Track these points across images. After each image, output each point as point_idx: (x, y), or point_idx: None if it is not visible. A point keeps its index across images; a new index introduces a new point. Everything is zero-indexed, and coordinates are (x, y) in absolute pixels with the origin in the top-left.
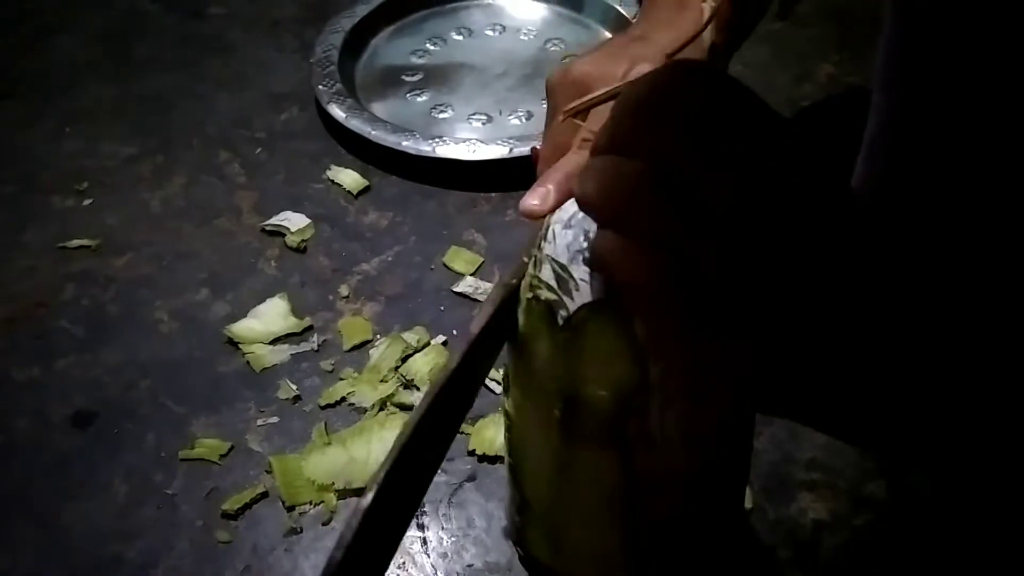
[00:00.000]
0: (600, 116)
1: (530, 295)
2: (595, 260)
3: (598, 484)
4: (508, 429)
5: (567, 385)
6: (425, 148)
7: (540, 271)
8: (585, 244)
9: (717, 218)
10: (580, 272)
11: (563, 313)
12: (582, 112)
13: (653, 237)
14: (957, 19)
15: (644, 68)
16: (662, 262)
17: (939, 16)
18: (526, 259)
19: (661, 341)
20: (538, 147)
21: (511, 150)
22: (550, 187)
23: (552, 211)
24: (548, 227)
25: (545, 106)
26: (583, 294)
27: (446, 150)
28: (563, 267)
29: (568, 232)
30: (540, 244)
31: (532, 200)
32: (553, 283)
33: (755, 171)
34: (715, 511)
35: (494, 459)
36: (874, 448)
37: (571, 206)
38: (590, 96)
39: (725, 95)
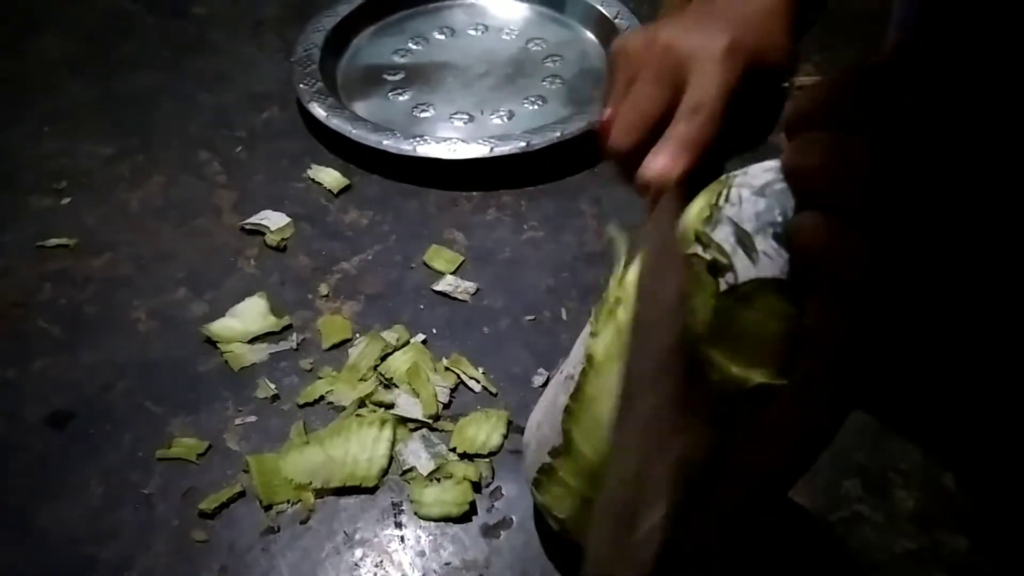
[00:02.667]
0: (659, 72)
1: (692, 251)
2: (798, 238)
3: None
4: (584, 374)
5: (698, 349)
6: (406, 147)
7: (715, 231)
8: (780, 219)
9: (933, 210)
10: (765, 245)
11: (729, 279)
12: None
13: (873, 224)
14: None
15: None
16: (871, 252)
17: None
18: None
19: (835, 335)
20: (606, 114)
21: (492, 149)
22: (672, 152)
23: (677, 181)
24: (729, 188)
25: (526, 104)
26: (762, 267)
27: (427, 149)
28: (747, 235)
29: (761, 200)
30: (717, 202)
31: (658, 164)
32: (728, 247)
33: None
34: (764, 508)
35: (473, 456)
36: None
37: (763, 173)
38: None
39: (949, 87)
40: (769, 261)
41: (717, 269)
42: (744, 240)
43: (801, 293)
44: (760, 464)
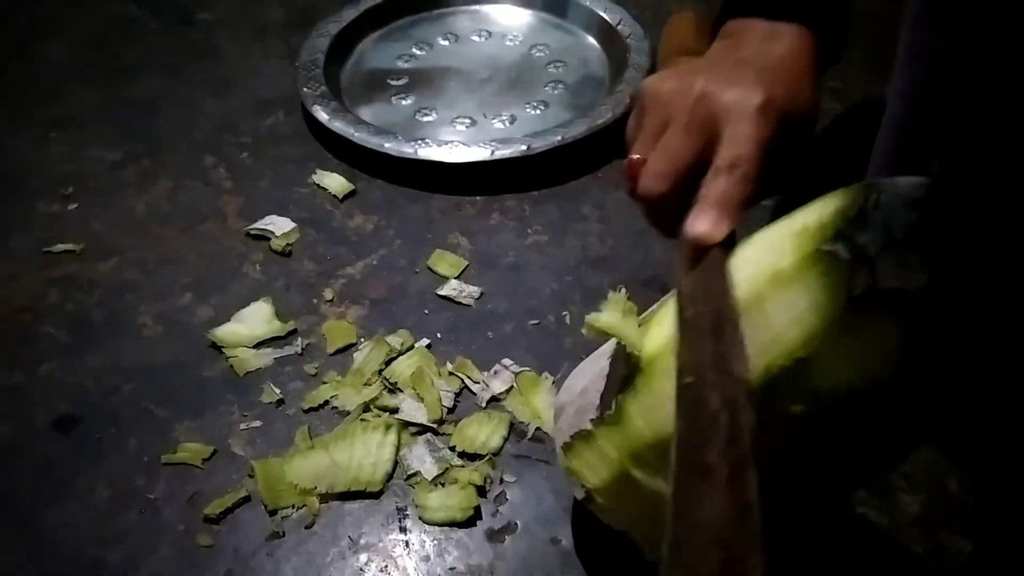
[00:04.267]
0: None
1: (828, 247)
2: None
3: None
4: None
5: (810, 347)
6: (407, 150)
7: (859, 231)
8: (930, 236)
9: None
10: (911, 258)
11: (861, 283)
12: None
13: None
14: None
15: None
16: None
17: None
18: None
19: (949, 361)
20: (635, 157)
21: (493, 152)
22: (714, 214)
23: (720, 240)
24: (879, 194)
25: (528, 109)
26: (903, 279)
27: (428, 152)
28: (898, 244)
29: (913, 213)
30: (865, 205)
31: (702, 226)
32: (871, 249)
33: None
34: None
35: (474, 456)
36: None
37: (914, 188)
38: None
39: None
40: (910, 275)
41: (856, 271)
42: (893, 249)
43: (933, 313)
44: (827, 471)
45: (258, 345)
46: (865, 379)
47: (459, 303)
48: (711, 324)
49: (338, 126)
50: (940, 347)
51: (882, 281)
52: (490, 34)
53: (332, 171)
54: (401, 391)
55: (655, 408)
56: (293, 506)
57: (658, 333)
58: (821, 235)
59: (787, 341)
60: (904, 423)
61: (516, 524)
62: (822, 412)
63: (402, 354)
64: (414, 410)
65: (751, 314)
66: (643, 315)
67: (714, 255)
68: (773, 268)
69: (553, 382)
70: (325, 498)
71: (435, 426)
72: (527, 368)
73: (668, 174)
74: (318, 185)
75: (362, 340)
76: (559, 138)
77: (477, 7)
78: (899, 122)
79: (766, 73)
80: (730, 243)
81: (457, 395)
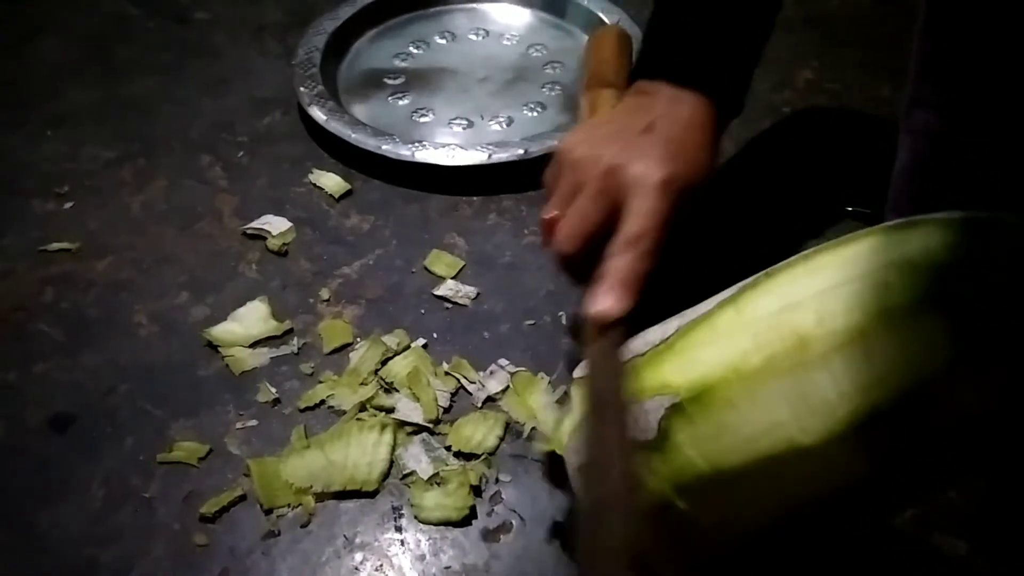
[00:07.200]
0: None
1: (951, 290)
2: None
3: (810, 482)
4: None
5: (926, 390)
6: (405, 152)
7: (983, 274)
8: None
9: None
10: None
11: (988, 328)
12: None
13: None
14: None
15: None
16: None
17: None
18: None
19: None
20: (550, 216)
21: (490, 156)
22: (617, 292)
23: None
24: (996, 232)
25: (526, 111)
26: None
27: (426, 155)
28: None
29: None
30: (986, 244)
31: (604, 305)
32: (998, 294)
33: None
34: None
35: (470, 456)
36: None
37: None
38: None
39: None
40: None
41: (982, 316)
42: (1020, 294)
43: None
44: (892, 495)
45: (254, 344)
46: (974, 418)
47: (455, 303)
48: (611, 409)
49: (335, 127)
50: None
51: (1010, 327)
52: (487, 33)
53: (328, 171)
54: (397, 391)
55: (714, 439)
56: (289, 505)
57: (709, 357)
58: (936, 274)
59: (896, 383)
60: (990, 448)
61: (511, 523)
62: (921, 445)
63: (398, 354)
64: (410, 410)
65: (850, 348)
66: (658, 326)
67: (615, 330)
68: (880, 304)
69: (549, 382)
70: (321, 497)
71: (431, 426)
72: (523, 368)
73: (578, 236)
74: (314, 185)
75: (358, 340)
76: (556, 142)
77: (474, 5)
78: (935, 132)
79: (670, 145)
80: (631, 319)
81: (453, 395)
